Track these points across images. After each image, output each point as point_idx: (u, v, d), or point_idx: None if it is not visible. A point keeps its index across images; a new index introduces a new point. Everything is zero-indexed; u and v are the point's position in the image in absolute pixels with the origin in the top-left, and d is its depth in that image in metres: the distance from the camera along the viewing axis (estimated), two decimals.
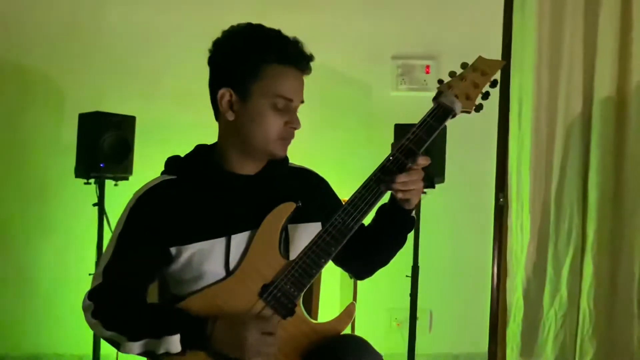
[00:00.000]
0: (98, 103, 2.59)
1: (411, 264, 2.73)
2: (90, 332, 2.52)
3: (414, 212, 1.55)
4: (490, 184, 3.11)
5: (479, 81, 1.55)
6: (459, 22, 3.02)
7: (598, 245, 2.90)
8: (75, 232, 2.87)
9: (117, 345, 1.42)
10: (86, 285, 2.59)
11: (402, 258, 2.72)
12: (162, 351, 1.37)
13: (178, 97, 2.91)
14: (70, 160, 2.58)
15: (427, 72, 3.05)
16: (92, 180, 2.57)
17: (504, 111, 3.08)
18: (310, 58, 1.51)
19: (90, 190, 2.58)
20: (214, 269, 1.45)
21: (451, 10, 3.06)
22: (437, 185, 2.67)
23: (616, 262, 2.92)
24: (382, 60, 3.07)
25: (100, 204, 2.56)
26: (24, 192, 2.93)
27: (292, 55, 1.48)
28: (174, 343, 1.37)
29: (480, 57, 1.59)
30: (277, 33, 1.50)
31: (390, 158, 1.46)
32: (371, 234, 1.56)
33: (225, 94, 1.48)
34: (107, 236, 2.51)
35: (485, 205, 3.11)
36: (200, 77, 3.07)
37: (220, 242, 1.46)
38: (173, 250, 1.46)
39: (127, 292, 1.44)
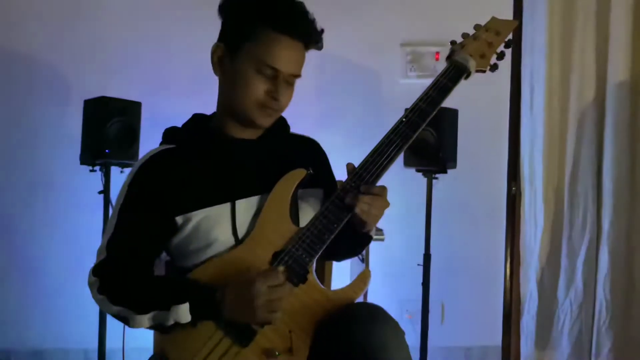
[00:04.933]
0: (103, 90, 2.55)
1: (422, 252, 2.67)
2: (96, 324, 2.52)
3: (372, 231, 1.51)
4: (503, 172, 3.07)
5: (493, 40, 1.52)
6: (469, 8, 2.96)
7: (614, 234, 2.84)
8: (81, 221, 2.83)
9: (126, 320, 1.38)
10: None
11: (413, 246, 2.71)
12: (171, 322, 1.33)
13: (184, 82, 2.88)
14: (75, 148, 2.55)
15: (437, 59, 3.01)
16: (97, 168, 2.53)
17: (515, 97, 3.03)
18: (316, 33, 1.43)
19: (95, 178, 2.54)
20: (222, 235, 1.41)
21: None
22: (449, 171, 2.62)
23: (632, 251, 2.86)
24: (391, 47, 3.03)
25: (105, 192, 2.52)
26: (28, 180, 2.89)
27: (293, 26, 1.39)
28: (183, 312, 1.32)
29: (493, 18, 1.57)
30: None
31: (404, 120, 1.43)
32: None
33: (217, 49, 1.46)
34: None
35: (497, 193, 3.06)
36: (208, 62, 3.03)
37: (226, 207, 1.42)
38: (179, 219, 1.42)
39: (132, 265, 1.40)
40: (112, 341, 2.53)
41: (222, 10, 1.47)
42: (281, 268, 1.35)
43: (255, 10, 1.41)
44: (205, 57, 3.04)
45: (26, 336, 2.89)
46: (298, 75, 1.45)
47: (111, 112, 2.47)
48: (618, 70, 2.83)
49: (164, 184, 1.42)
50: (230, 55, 1.43)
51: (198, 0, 2.90)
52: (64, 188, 2.87)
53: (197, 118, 1.55)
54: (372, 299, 1.53)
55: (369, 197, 1.37)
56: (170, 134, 1.53)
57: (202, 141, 1.49)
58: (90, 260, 2.53)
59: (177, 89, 2.88)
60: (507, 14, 2.96)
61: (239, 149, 1.48)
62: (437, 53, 3.01)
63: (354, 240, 1.51)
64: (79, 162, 2.54)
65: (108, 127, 2.45)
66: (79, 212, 2.84)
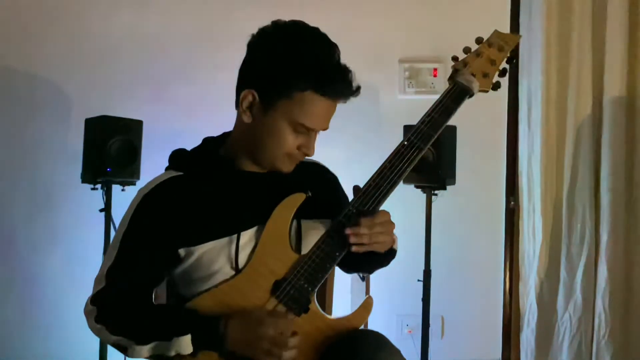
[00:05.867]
0: (105, 109, 2.57)
1: (422, 268, 2.68)
2: (97, 340, 2.52)
3: (395, 244, 1.48)
4: (501, 187, 3.08)
5: (495, 57, 1.47)
6: (466, 24, 2.98)
7: (612, 247, 2.85)
8: (82, 239, 2.84)
9: (124, 350, 1.36)
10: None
11: (413, 262, 2.72)
12: (173, 353, 1.32)
13: (186, 102, 2.90)
14: (77, 166, 2.56)
15: (435, 76, 3.04)
16: (98, 186, 2.55)
17: (512, 112, 3.06)
18: (353, 92, 1.39)
19: (97, 196, 2.56)
20: (223, 267, 1.39)
21: (458, 13, 3.06)
22: (448, 187, 2.64)
23: (631, 264, 2.87)
24: (389, 63, 3.06)
25: (107, 210, 2.53)
26: (30, 199, 2.90)
27: (333, 88, 1.36)
28: (185, 344, 1.31)
29: (496, 31, 1.51)
30: (326, 54, 1.37)
31: (405, 143, 1.41)
32: (353, 256, 1.43)
33: (248, 95, 1.39)
34: None
35: (496, 208, 3.08)
36: (209, 83, 3.06)
37: (230, 240, 1.40)
38: (182, 251, 1.40)
39: (132, 294, 1.37)
40: (113, 356, 2.54)
41: (258, 55, 1.41)
42: (292, 316, 1.35)
43: (301, 70, 1.35)
44: (207, 76, 3.07)
45: (27, 351, 2.88)
46: (326, 129, 1.44)
47: (112, 131, 2.49)
48: (614, 85, 2.85)
49: (169, 216, 1.39)
50: (262, 105, 1.38)
51: (200, 21, 2.96)
52: (65, 206, 2.88)
53: (207, 144, 1.51)
54: (372, 314, 1.53)
55: (367, 228, 1.34)
56: (178, 160, 1.48)
57: (211, 172, 1.44)
58: (91, 277, 2.56)
59: (178, 108, 2.90)
60: (504, 30, 2.99)
61: (248, 182, 1.45)
62: (435, 69, 3.04)
63: (378, 258, 1.48)
64: (80, 180, 2.56)
65: (109, 145, 2.47)
66: (80, 230, 2.85)
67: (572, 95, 2.92)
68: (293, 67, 1.35)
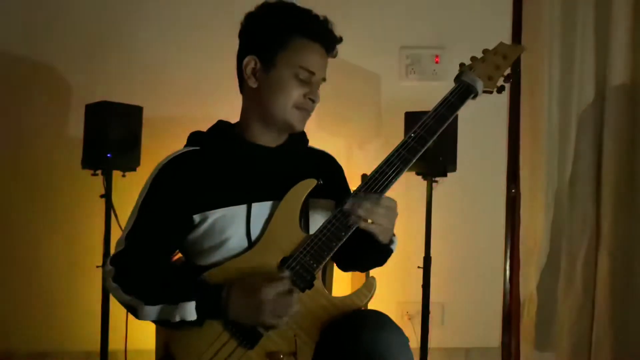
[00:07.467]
0: (105, 95, 2.56)
1: (422, 255, 2.69)
2: (98, 328, 2.54)
3: (392, 245, 1.57)
4: (502, 174, 3.08)
5: (500, 64, 1.60)
6: (469, 11, 2.99)
7: (613, 235, 2.86)
8: (83, 225, 2.84)
9: (134, 311, 1.43)
10: (94, 278, 2.55)
11: (413, 249, 2.73)
12: (177, 319, 1.38)
13: (186, 88, 2.89)
14: (77, 152, 2.56)
15: (437, 62, 3.02)
16: (99, 172, 2.54)
17: (515, 101, 3.05)
18: (337, 39, 1.57)
19: (97, 182, 2.56)
20: (235, 236, 1.47)
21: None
22: (449, 174, 2.64)
23: (631, 254, 2.87)
24: (390, 50, 3.04)
25: (107, 196, 2.53)
26: (30, 185, 2.89)
27: (319, 32, 1.53)
28: (190, 310, 1.37)
29: (501, 43, 1.65)
30: (309, 10, 1.56)
31: (412, 135, 1.49)
32: (350, 250, 1.53)
33: (250, 61, 1.54)
34: (115, 229, 2.50)
35: (497, 195, 3.08)
36: (209, 70, 3.05)
37: (242, 209, 1.49)
38: (196, 217, 1.49)
39: (149, 257, 1.47)
40: (115, 343, 2.55)
41: (247, 27, 1.58)
42: (287, 273, 1.41)
43: (289, 21, 1.53)
44: (206, 63, 3.06)
45: (28, 338, 2.89)
46: (325, 80, 1.58)
47: (112, 117, 2.49)
48: (617, 75, 2.84)
49: (185, 183, 1.50)
50: (264, 65, 1.54)
51: (200, 7, 2.95)
52: (65, 192, 2.87)
53: (221, 123, 1.64)
54: (373, 300, 1.54)
55: (369, 204, 1.41)
56: (195, 137, 1.61)
57: (225, 144, 1.57)
58: (91, 262, 2.56)
59: (178, 94, 2.89)
60: (507, 20, 2.99)
61: (258, 154, 1.57)
62: (437, 56, 3.02)
63: (374, 251, 1.56)
64: (80, 166, 2.56)
65: (109, 131, 2.48)
66: (80, 216, 2.85)
67: (575, 83, 2.92)
68: (283, 20, 1.53)
